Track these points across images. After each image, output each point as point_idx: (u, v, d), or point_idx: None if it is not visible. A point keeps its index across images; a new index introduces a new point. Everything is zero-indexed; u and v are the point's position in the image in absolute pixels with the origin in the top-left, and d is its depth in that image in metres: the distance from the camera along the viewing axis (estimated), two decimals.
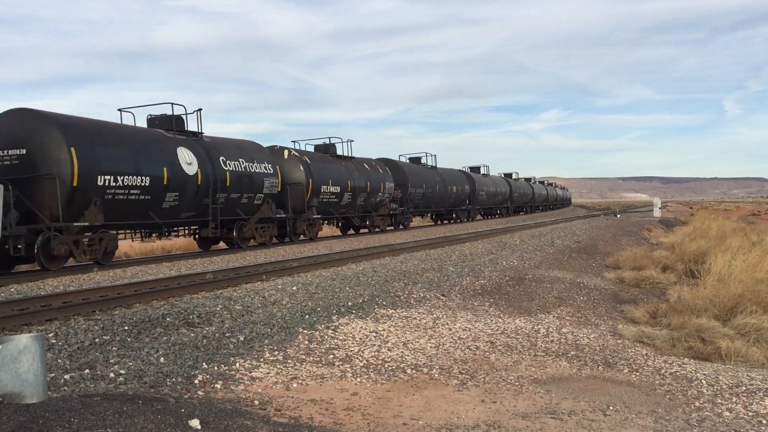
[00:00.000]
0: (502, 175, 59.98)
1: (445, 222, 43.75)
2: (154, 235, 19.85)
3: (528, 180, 71.67)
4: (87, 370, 6.11)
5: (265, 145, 24.43)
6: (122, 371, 6.12)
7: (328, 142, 29.52)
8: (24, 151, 14.91)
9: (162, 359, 6.64)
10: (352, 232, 31.19)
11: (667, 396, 6.55)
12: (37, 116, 15.21)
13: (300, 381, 6.37)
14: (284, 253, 19.41)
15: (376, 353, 7.60)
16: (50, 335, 7.48)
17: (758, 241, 21.18)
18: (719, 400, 6.44)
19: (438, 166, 40.69)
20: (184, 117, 19.76)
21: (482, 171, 51.83)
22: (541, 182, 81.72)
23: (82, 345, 7.15)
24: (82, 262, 15.74)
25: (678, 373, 7.51)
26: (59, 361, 6.48)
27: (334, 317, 9.22)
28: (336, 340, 8.05)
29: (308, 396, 5.89)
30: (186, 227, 20.24)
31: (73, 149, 14.97)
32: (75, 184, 14.97)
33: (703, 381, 7.16)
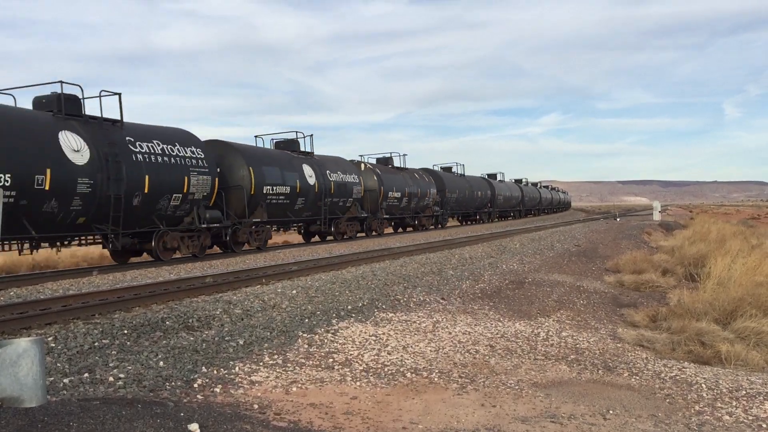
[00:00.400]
0: (513, 181, 64.63)
1: (470, 222, 49.09)
2: (292, 227, 27.07)
3: (535, 185, 73.96)
4: (86, 374, 6.10)
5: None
6: (121, 375, 6.11)
7: (388, 156, 35.21)
8: (219, 170, 19.99)
9: (161, 363, 6.64)
10: (401, 230, 37.42)
11: (667, 400, 6.54)
12: (226, 145, 21.67)
13: (299, 385, 6.36)
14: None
15: (376, 357, 7.59)
16: (50, 339, 7.46)
17: (758, 245, 21.19)
18: (719, 404, 6.43)
19: (466, 174, 46.73)
20: (300, 141, 26.48)
21: (498, 177, 57.31)
22: (545, 186, 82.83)
23: (82, 349, 7.14)
24: (252, 247, 21.55)
25: (678, 377, 7.51)
26: (58, 364, 6.47)
27: (334, 321, 9.22)
28: (335, 344, 8.04)
29: (308, 400, 5.89)
30: (303, 223, 26.49)
31: (250, 168, 21.30)
32: (252, 192, 21.25)
33: (703, 385, 7.15)
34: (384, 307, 10.58)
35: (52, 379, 5.86)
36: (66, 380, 5.88)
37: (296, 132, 26.59)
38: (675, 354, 9.09)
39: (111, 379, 5.99)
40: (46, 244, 15.85)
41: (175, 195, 17.78)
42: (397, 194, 33.48)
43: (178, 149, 18.33)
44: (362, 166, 31.72)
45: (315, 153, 27.08)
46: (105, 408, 4.74)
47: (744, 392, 6.89)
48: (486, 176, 52.85)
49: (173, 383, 6.02)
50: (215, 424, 4.77)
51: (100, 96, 16.41)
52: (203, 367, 6.59)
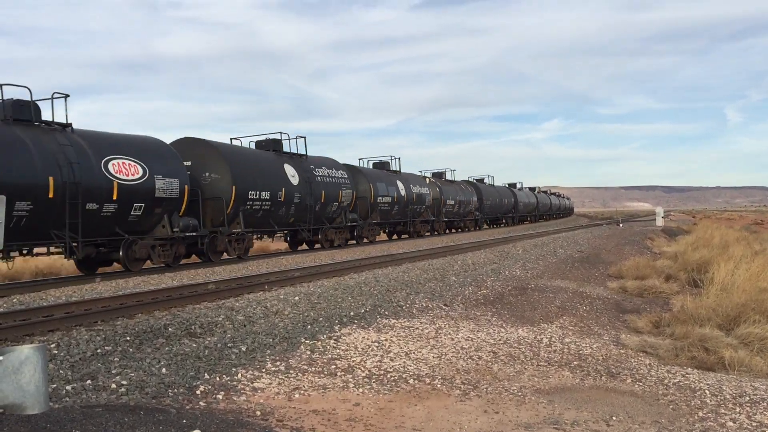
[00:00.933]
0: (506, 185, 65.29)
1: (495, 226, 55.93)
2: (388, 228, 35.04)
3: (533, 189, 74.55)
4: (89, 381, 6.10)
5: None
6: (124, 382, 6.11)
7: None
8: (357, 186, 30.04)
9: (164, 370, 6.63)
10: (454, 231, 45.21)
11: (671, 406, 6.53)
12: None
13: (302, 391, 6.36)
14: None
15: (379, 363, 7.58)
16: (52, 346, 7.47)
17: (761, 250, 21.14)
18: (723, 411, 6.41)
19: (495, 185, 56.49)
20: (393, 162, 36.35)
21: (518, 186, 65.70)
22: (545, 191, 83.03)
23: (84, 356, 7.15)
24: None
25: (681, 383, 7.49)
26: (61, 371, 6.48)
27: (337, 327, 9.21)
28: (338, 351, 8.03)
29: (310, 407, 5.88)
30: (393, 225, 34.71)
31: (371, 185, 31.12)
32: (372, 200, 31.11)
33: (706, 391, 7.13)
34: (386, 313, 10.57)
35: (54, 386, 5.87)
36: (68, 387, 5.88)
37: (391, 156, 36.05)
38: (678, 360, 9.06)
39: (113, 385, 5.99)
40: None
41: (334, 203, 27.08)
42: (452, 202, 42.97)
43: (334, 172, 27.59)
44: (427, 180, 40.33)
45: (402, 170, 36.28)
46: (107, 415, 4.74)
47: (748, 398, 6.87)
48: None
49: (175, 390, 6.01)
50: (218, 431, 4.77)
51: (295, 138, 26.23)
52: (206, 374, 6.59)
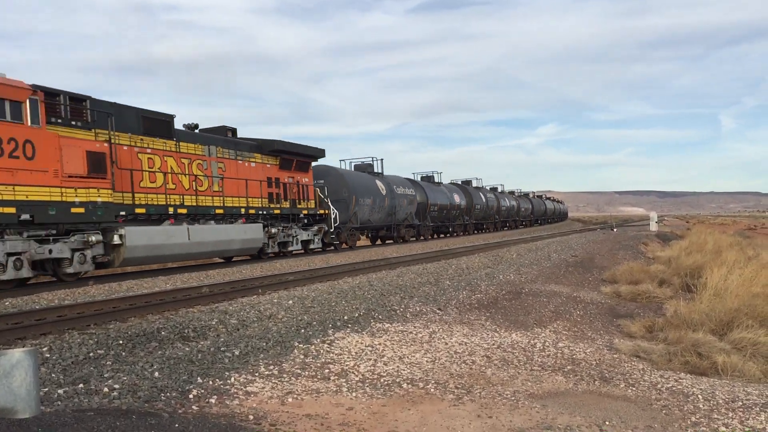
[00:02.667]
0: (489, 188, 63.12)
1: (499, 229, 57.19)
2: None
3: (525, 194, 73.80)
4: (81, 385, 6.07)
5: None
6: (116, 386, 6.08)
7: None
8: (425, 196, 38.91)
9: (156, 373, 6.61)
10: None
11: (664, 411, 6.53)
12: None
13: (295, 396, 6.34)
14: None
15: (372, 367, 7.57)
16: (44, 349, 7.44)
17: (754, 256, 21.21)
18: (715, 415, 6.43)
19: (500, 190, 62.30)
20: (436, 175, 44.68)
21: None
22: (539, 196, 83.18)
23: (77, 359, 7.12)
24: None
25: (674, 388, 7.50)
26: (53, 375, 6.45)
27: (330, 331, 9.20)
28: (332, 355, 8.02)
29: (303, 411, 5.87)
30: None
31: (427, 194, 39.10)
32: (427, 206, 39.20)
33: (699, 396, 7.15)
34: (380, 317, 10.56)
35: (46, 389, 5.84)
36: (60, 391, 5.85)
37: (434, 172, 44.40)
38: (671, 365, 9.08)
39: (106, 389, 5.96)
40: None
41: (406, 209, 35.54)
42: (479, 207, 48.05)
43: (404, 185, 36.58)
44: (455, 188, 45.48)
45: (440, 180, 45.25)
46: (99, 419, 4.72)
47: (740, 403, 6.89)
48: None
49: (168, 394, 5.99)
50: None
51: (381, 160, 35.29)
52: (198, 378, 6.57)
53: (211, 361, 7.32)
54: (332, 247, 27.79)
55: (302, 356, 7.82)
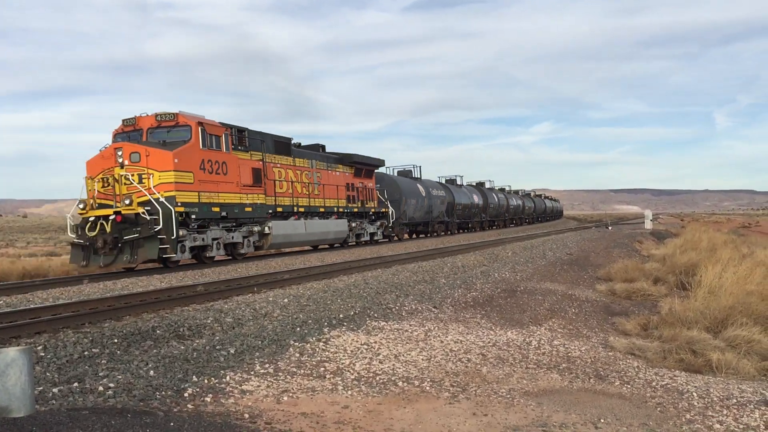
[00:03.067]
0: (475, 184, 64.52)
1: (507, 226, 61.03)
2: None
3: (525, 193, 76.81)
4: (76, 384, 6.06)
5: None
6: (111, 384, 6.07)
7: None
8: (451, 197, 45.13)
9: (152, 372, 6.60)
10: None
11: (659, 408, 6.55)
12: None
13: (291, 394, 6.34)
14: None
15: (368, 366, 7.58)
16: (39, 348, 7.41)
17: (749, 254, 21.27)
18: (710, 413, 6.45)
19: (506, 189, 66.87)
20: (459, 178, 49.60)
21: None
22: (528, 193, 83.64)
23: (71, 358, 7.10)
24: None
25: (669, 386, 7.52)
26: (48, 374, 6.44)
27: (326, 330, 9.19)
28: (327, 353, 8.02)
29: (299, 409, 5.86)
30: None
31: (453, 194, 44.74)
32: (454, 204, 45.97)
33: (694, 393, 7.17)
34: (376, 315, 10.56)
35: (41, 388, 5.82)
36: (55, 390, 5.84)
37: (457, 175, 49.46)
38: (666, 362, 9.10)
39: (101, 388, 5.95)
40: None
41: (439, 208, 40.88)
42: (493, 205, 54.05)
43: (437, 187, 42.27)
44: (474, 188, 51.58)
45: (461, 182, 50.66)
46: (94, 418, 4.71)
47: (735, 401, 6.91)
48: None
49: (163, 393, 5.98)
50: None
51: (418, 167, 40.92)
52: (194, 377, 6.56)
53: (207, 359, 7.31)
54: (387, 239, 33.65)
55: (298, 354, 7.82)
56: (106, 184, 17.89)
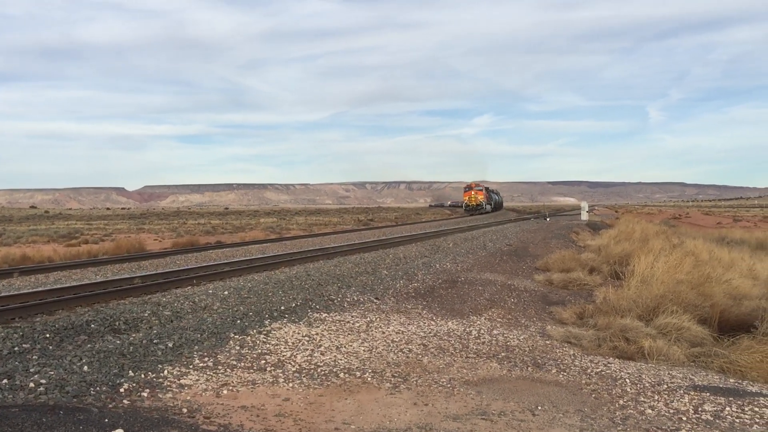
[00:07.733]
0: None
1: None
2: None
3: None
4: (5, 380, 5.84)
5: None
6: (43, 381, 5.88)
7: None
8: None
9: (86, 368, 6.41)
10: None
11: (593, 395, 6.73)
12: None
13: (230, 387, 6.26)
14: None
15: (309, 358, 7.55)
16: None
17: (679, 244, 22.04)
18: (642, 399, 6.66)
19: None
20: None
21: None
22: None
23: (0, 354, 6.84)
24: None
25: (603, 373, 7.74)
26: None
27: (267, 322, 9.11)
28: (268, 345, 7.95)
29: (239, 402, 5.80)
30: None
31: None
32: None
33: (626, 380, 7.39)
34: (318, 307, 10.52)
35: None
36: None
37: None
38: (601, 350, 9.35)
39: (32, 384, 5.75)
40: None
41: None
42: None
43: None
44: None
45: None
46: (24, 415, 4.55)
47: (665, 386, 7.16)
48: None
49: (98, 388, 5.83)
50: (141, 430, 4.64)
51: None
52: (130, 371, 6.41)
53: (144, 353, 7.15)
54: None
55: (238, 347, 7.73)
56: None
